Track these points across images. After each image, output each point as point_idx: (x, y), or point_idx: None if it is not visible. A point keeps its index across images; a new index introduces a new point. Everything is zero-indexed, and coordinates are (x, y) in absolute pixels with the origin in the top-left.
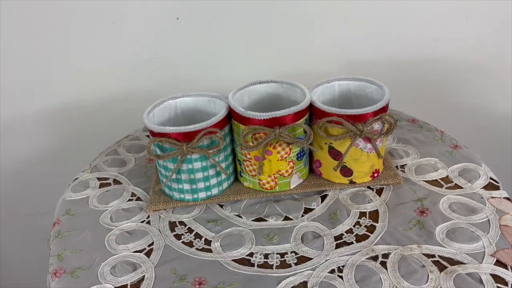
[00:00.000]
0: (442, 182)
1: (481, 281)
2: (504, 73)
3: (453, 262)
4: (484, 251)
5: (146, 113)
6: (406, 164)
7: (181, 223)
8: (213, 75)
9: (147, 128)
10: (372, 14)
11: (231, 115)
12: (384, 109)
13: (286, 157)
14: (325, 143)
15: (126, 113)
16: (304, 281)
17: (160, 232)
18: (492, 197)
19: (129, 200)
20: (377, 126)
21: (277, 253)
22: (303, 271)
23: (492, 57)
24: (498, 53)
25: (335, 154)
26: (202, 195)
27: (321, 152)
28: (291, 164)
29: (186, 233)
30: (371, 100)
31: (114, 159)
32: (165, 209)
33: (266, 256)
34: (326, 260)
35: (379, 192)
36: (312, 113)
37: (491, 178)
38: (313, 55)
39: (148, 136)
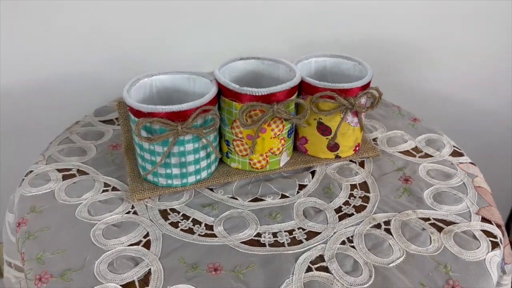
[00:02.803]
0: (413, 152)
1: (475, 237)
2: (434, 51)
3: (447, 223)
4: (470, 211)
5: (126, 92)
6: (377, 138)
7: (173, 210)
8: (163, 52)
9: (133, 108)
10: None
11: (221, 93)
12: (368, 84)
13: (279, 134)
14: (314, 119)
15: (63, 98)
16: (320, 255)
17: (153, 221)
18: (460, 163)
19: (104, 191)
20: (363, 100)
21: (285, 231)
22: (315, 245)
23: (425, 37)
24: (430, 31)
25: (324, 130)
26: (191, 179)
27: (308, 128)
28: (282, 141)
29: (182, 220)
30: (346, 77)
31: (70, 148)
32: (150, 198)
33: (274, 235)
34: (334, 233)
35: (362, 164)
36: (301, 89)
37: (454, 146)
38: (264, 33)
39: (103, 121)
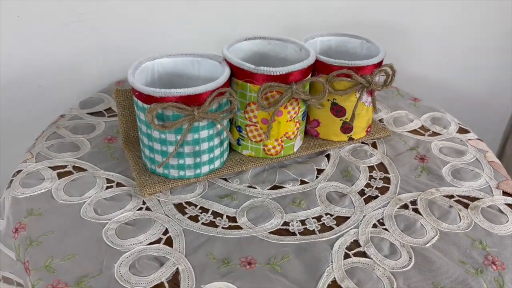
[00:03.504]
0: (421, 131)
1: (500, 211)
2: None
3: (471, 198)
4: (490, 185)
5: (131, 77)
6: (383, 118)
7: (189, 203)
8: (146, 40)
9: (142, 93)
10: None
11: (232, 75)
12: (382, 61)
13: (295, 117)
14: (328, 100)
15: (41, 90)
16: (354, 240)
17: (169, 216)
18: (469, 139)
19: (108, 187)
20: (377, 78)
21: (312, 218)
22: (348, 231)
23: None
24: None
25: (338, 111)
26: (205, 169)
27: (321, 110)
28: (297, 125)
29: (201, 213)
30: (353, 56)
31: (61, 143)
32: (161, 191)
33: (302, 222)
34: (364, 216)
35: (374, 146)
36: (314, 68)
37: (459, 123)
38: (247, 17)
39: (91, 114)
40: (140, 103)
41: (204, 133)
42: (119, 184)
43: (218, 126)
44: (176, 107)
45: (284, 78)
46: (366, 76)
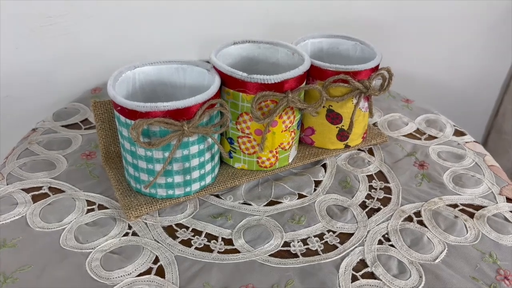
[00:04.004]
0: (417, 135)
1: (506, 219)
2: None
3: (475, 207)
4: (492, 192)
5: (112, 89)
6: (376, 122)
7: (180, 225)
8: (124, 44)
9: (125, 107)
10: None
11: (223, 83)
12: (379, 64)
13: (290, 126)
14: (323, 107)
15: (8, 101)
16: (361, 259)
17: (159, 242)
18: (466, 142)
19: (89, 210)
20: (373, 82)
21: (314, 236)
22: (352, 249)
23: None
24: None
25: (334, 118)
26: (195, 186)
27: (316, 117)
28: (292, 134)
29: (193, 236)
30: (346, 58)
31: (34, 161)
32: (148, 213)
33: (304, 242)
34: (368, 232)
35: (370, 152)
36: (308, 73)
37: (454, 125)
38: (236, 18)
39: (65, 126)
40: (122, 118)
41: (194, 149)
42: (101, 207)
43: (209, 139)
44: (164, 122)
45: (278, 86)
46: (363, 81)
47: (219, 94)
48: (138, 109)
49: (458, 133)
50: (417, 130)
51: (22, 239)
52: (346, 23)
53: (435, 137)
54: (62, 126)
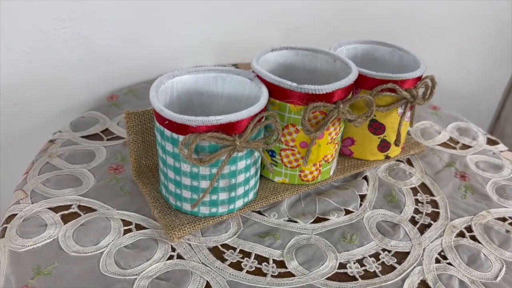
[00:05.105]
0: (451, 144)
1: None
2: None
3: None
4: None
5: (156, 102)
6: (409, 130)
7: (226, 246)
8: (137, 49)
9: (173, 121)
10: None
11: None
12: (423, 73)
13: (335, 138)
14: None
15: (17, 110)
16: (422, 280)
17: (207, 266)
18: (501, 151)
19: (126, 231)
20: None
21: (369, 256)
22: (412, 269)
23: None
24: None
25: (377, 128)
26: (239, 203)
27: (357, 128)
28: (336, 146)
29: (242, 258)
30: (382, 65)
31: (58, 176)
32: (190, 233)
33: (360, 263)
34: (424, 250)
35: (409, 163)
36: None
37: (485, 134)
38: (252, 22)
39: (86, 137)
40: (168, 132)
41: (241, 164)
42: (138, 227)
43: (256, 153)
44: (216, 137)
45: (328, 97)
46: (410, 90)
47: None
48: (188, 123)
49: (491, 141)
50: (451, 139)
51: (58, 265)
52: (353, 26)
53: (469, 146)
54: (82, 137)
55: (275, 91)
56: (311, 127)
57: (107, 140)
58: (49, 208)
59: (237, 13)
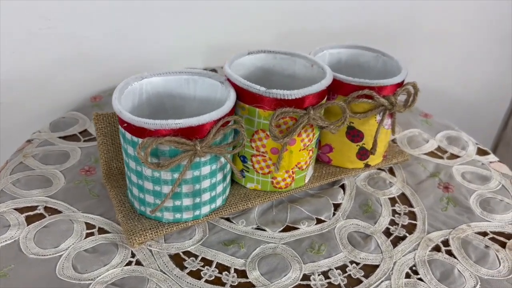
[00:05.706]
0: (439, 153)
1: None
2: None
3: (506, 235)
4: None
5: (117, 104)
6: (395, 138)
7: (188, 253)
8: (125, 50)
9: (132, 124)
10: None
11: (237, 97)
12: (404, 79)
13: (309, 145)
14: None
15: (1, 109)
16: None
17: (165, 273)
18: (491, 162)
19: (89, 234)
20: (399, 98)
21: (336, 268)
22: (379, 284)
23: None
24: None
25: (355, 135)
26: (205, 210)
27: (335, 134)
28: (310, 153)
29: (203, 267)
30: (366, 71)
31: (29, 177)
32: (152, 239)
33: (325, 275)
34: (394, 263)
35: (391, 172)
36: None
37: (476, 143)
38: (244, 25)
39: (63, 138)
40: (128, 135)
41: (206, 169)
42: (101, 230)
43: (222, 159)
44: (175, 142)
45: (299, 102)
46: (389, 97)
47: (233, 109)
48: (146, 127)
49: (481, 152)
50: (438, 148)
51: (14, 267)
52: (356, 32)
53: (458, 156)
54: (60, 137)
55: (244, 95)
56: (280, 133)
57: (84, 141)
58: (14, 209)
59: (228, 16)
